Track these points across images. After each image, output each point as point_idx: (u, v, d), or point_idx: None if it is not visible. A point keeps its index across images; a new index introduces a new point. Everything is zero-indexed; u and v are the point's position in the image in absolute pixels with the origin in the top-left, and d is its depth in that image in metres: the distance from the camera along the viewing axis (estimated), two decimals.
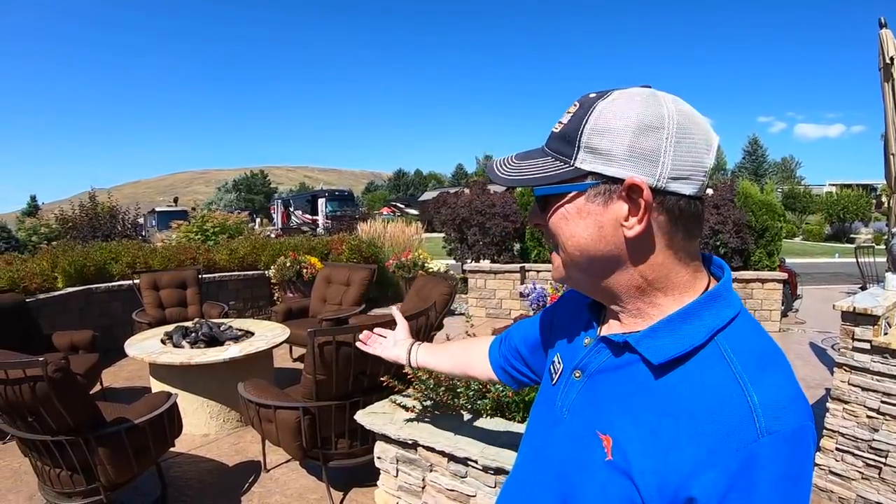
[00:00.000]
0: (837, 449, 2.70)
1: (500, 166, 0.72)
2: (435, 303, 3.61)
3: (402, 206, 31.05)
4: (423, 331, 3.02)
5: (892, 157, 3.58)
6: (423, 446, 2.08)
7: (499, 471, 1.87)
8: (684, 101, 0.65)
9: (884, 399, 2.53)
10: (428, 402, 2.26)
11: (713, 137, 0.64)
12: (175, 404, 2.76)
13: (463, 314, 6.97)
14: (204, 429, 3.59)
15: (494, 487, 1.90)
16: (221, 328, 4.01)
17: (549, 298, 5.18)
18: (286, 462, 3.20)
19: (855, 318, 2.62)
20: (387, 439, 2.21)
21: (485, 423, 2.13)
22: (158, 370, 3.68)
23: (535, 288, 5.48)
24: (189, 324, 4.18)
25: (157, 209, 24.02)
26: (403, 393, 2.38)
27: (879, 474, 2.55)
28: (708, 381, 0.59)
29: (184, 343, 3.76)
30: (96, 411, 2.42)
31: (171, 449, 2.89)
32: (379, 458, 2.27)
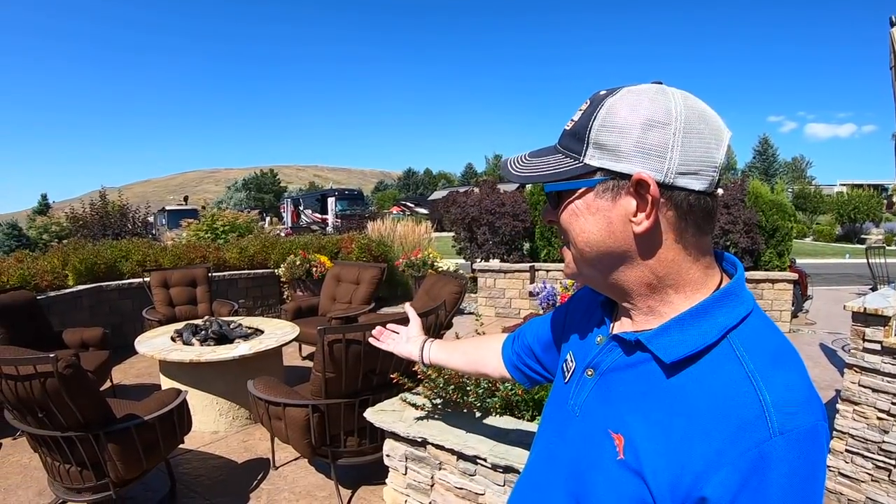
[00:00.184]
0: (847, 451, 2.68)
1: (514, 164, 0.73)
2: (444, 301, 3.61)
3: (412, 205, 31.11)
4: (433, 329, 3.02)
5: None
6: (433, 444, 2.08)
7: (507, 469, 1.87)
8: (696, 97, 0.65)
9: (894, 401, 2.50)
10: (437, 400, 2.26)
11: (724, 133, 0.64)
12: (185, 401, 2.78)
13: (472, 313, 6.95)
14: (213, 426, 3.62)
15: (503, 486, 1.90)
16: (231, 326, 4.05)
17: (559, 298, 5.16)
18: (295, 459, 3.21)
19: (865, 318, 2.59)
20: (396, 437, 2.22)
21: (494, 421, 2.13)
22: (168, 367, 3.71)
23: (545, 287, 5.44)
24: (199, 321, 4.22)
25: (168, 208, 24.20)
26: (413, 391, 2.39)
27: (889, 476, 2.52)
28: (720, 380, 0.59)
29: (194, 340, 3.79)
30: (106, 408, 2.44)
31: (181, 446, 2.92)
32: (388, 455, 2.28)
